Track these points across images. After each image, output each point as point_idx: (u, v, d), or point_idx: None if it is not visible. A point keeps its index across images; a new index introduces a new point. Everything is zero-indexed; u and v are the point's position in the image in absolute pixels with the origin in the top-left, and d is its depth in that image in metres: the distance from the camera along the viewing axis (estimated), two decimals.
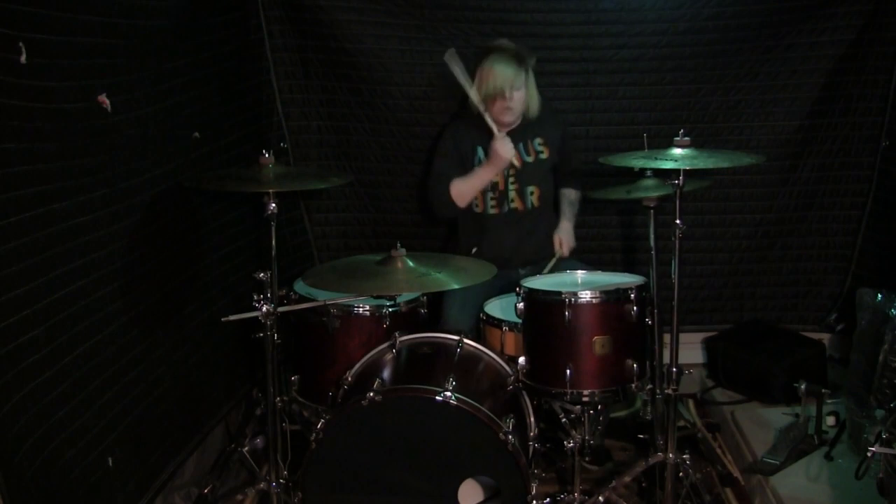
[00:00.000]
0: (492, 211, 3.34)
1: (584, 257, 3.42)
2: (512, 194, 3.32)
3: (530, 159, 3.32)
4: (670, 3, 3.55)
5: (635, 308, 2.62)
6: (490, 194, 3.32)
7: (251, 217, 3.44)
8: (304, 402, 2.95)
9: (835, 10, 3.51)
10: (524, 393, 2.74)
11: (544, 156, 3.35)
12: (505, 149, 3.18)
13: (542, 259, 3.33)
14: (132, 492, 2.57)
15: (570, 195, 3.47)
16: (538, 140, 3.34)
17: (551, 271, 3.21)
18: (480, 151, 3.30)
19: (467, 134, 3.33)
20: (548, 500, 2.59)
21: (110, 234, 2.45)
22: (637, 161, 2.61)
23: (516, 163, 3.25)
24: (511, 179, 3.30)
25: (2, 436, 1.96)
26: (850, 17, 3.51)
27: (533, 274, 3.14)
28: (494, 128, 3.21)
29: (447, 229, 3.71)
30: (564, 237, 3.38)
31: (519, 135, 3.31)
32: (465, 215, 3.40)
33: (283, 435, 2.72)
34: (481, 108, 3.21)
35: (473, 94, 3.20)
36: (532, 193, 3.33)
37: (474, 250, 3.33)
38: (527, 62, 3.20)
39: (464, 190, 3.28)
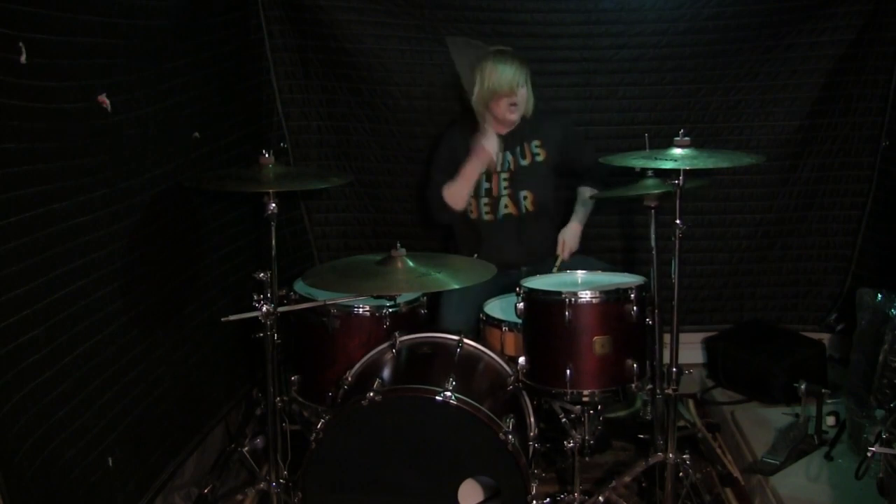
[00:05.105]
0: (486, 217, 3.33)
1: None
2: (505, 199, 3.30)
3: (526, 162, 3.30)
4: (670, 3, 3.55)
5: (635, 308, 2.62)
6: (484, 200, 3.30)
7: (251, 217, 3.44)
8: (304, 402, 2.95)
9: (835, 10, 3.51)
10: (524, 393, 2.74)
11: (540, 158, 3.32)
12: (491, 143, 3.20)
13: (543, 261, 3.31)
14: (132, 492, 2.57)
15: (583, 193, 3.42)
16: (535, 142, 3.32)
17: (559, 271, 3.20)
18: None
19: (462, 142, 3.31)
20: (548, 500, 2.59)
21: (110, 234, 2.45)
22: (637, 161, 2.62)
23: (495, 159, 3.24)
24: (504, 184, 3.29)
25: (2, 436, 1.96)
26: (850, 17, 3.51)
27: (535, 273, 3.13)
28: (488, 125, 3.23)
29: (447, 231, 3.70)
30: (568, 239, 3.34)
31: (517, 137, 3.30)
32: (462, 223, 3.40)
33: (283, 435, 2.72)
34: (483, 107, 3.22)
35: (476, 91, 3.21)
36: (525, 198, 3.31)
37: (475, 256, 3.32)
38: (525, 62, 3.22)
39: (454, 190, 3.26)
